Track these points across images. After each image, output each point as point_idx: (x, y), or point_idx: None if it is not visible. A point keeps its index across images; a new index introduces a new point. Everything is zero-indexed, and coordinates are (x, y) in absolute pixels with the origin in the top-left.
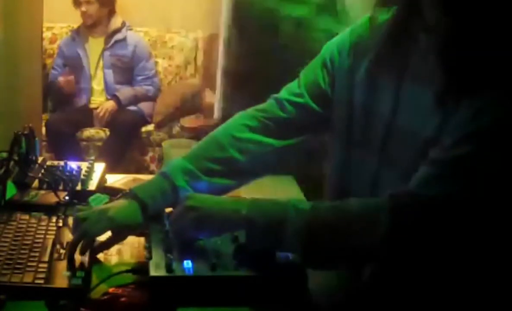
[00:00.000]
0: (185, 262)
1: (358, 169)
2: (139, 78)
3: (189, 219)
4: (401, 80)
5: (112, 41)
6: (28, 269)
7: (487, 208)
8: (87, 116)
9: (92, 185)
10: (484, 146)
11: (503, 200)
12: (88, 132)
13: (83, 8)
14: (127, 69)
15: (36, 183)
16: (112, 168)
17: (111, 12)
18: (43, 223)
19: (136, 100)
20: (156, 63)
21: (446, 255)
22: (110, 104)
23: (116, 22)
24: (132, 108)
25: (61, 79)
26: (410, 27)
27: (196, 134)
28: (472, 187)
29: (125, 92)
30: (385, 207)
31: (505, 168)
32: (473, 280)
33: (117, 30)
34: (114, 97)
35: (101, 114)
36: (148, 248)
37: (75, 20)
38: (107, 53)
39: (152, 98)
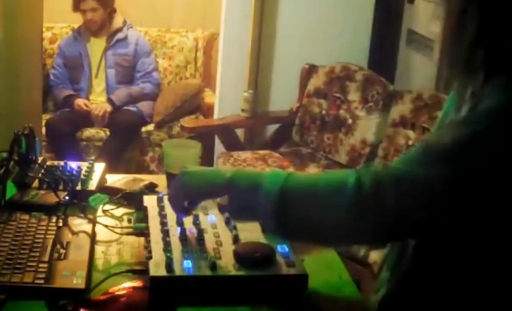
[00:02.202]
0: (185, 262)
1: None
2: (138, 75)
3: (180, 181)
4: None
5: (114, 40)
6: (28, 269)
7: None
8: (87, 116)
9: (92, 185)
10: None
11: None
12: (88, 132)
13: (89, 17)
14: (130, 67)
15: (36, 183)
16: (112, 168)
17: (112, 12)
18: (43, 223)
19: (132, 99)
20: (156, 62)
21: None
22: (106, 105)
23: (117, 21)
24: (131, 108)
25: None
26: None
27: (196, 134)
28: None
29: (118, 93)
30: (352, 180)
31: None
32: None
33: (119, 29)
34: (109, 100)
35: (95, 113)
36: (148, 248)
37: (75, 20)
38: (109, 52)
39: (150, 95)
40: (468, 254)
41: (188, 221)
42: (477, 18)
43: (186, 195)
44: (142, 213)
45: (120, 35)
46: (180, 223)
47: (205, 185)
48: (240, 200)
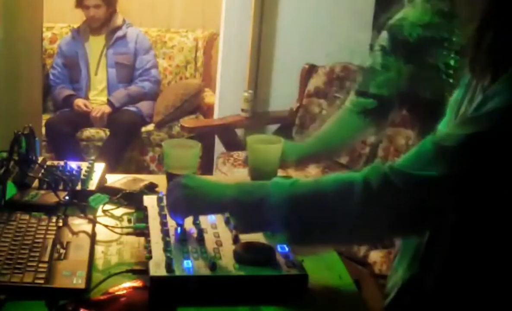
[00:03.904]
0: (185, 262)
1: None
2: (137, 73)
3: (181, 195)
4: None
5: (114, 38)
6: (28, 269)
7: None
8: (86, 116)
9: (92, 185)
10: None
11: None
12: (88, 132)
13: (92, 13)
14: (131, 66)
15: (36, 183)
16: (112, 168)
17: (113, 11)
18: (43, 223)
19: (131, 99)
20: (156, 60)
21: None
22: (105, 107)
23: (117, 20)
24: (131, 108)
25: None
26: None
27: (196, 134)
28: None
29: (117, 94)
30: (359, 181)
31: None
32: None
33: (118, 28)
34: (108, 101)
35: (93, 114)
36: (148, 248)
37: (75, 20)
38: (110, 51)
39: (150, 94)
40: (482, 247)
41: (188, 221)
42: (496, 25)
43: (189, 211)
44: (142, 213)
45: (119, 33)
46: (180, 223)
47: (208, 202)
48: (248, 216)
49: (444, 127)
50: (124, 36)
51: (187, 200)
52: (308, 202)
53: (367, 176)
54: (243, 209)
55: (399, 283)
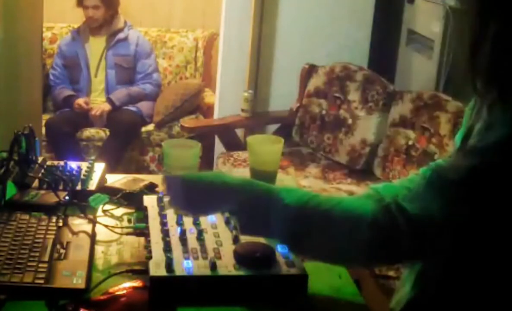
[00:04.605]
0: (185, 262)
1: None
2: (139, 76)
3: (183, 200)
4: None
5: (114, 40)
6: (28, 269)
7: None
8: (86, 116)
9: (92, 185)
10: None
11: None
12: (88, 132)
13: (90, 13)
14: (130, 68)
15: (36, 183)
16: (112, 168)
17: (114, 13)
18: (43, 223)
19: (131, 99)
20: (157, 63)
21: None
22: (104, 105)
23: (119, 22)
24: (131, 108)
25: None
26: None
27: (196, 134)
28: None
29: (117, 93)
30: (368, 220)
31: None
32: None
33: (120, 30)
34: (108, 99)
35: (93, 113)
36: (148, 248)
37: (75, 20)
38: (110, 52)
39: (151, 96)
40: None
41: (188, 221)
42: (494, 38)
43: (193, 214)
44: (142, 213)
45: (120, 36)
46: (180, 223)
47: (213, 205)
48: (250, 224)
49: (459, 138)
50: (125, 39)
51: (189, 199)
52: (312, 231)
53: (376, 217)
54: (247, 218)
55: (404, 301)
